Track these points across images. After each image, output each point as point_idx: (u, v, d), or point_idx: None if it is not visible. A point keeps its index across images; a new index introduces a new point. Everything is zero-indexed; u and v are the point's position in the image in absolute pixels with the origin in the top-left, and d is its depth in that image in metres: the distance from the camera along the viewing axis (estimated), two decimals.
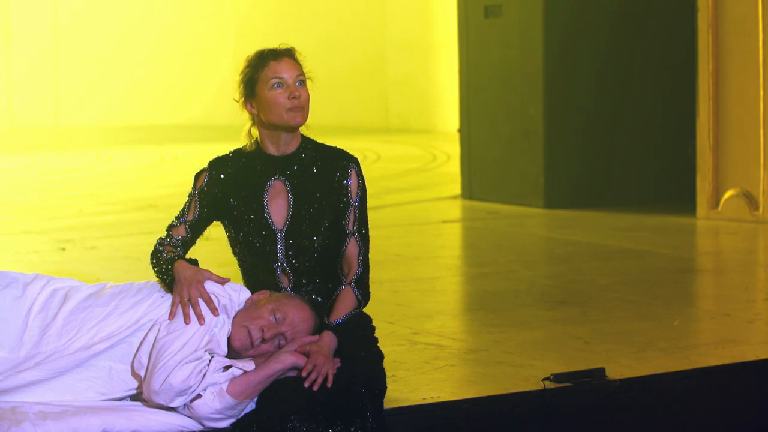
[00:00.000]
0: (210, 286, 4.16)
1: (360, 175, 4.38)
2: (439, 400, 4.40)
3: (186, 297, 4.12)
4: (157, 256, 4.27)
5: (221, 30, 23.09)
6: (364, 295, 4.31)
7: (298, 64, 4.30)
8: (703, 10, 8.99)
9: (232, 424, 3.99)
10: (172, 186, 12.47)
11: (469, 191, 10.68)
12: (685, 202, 9.54)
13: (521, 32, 10.09)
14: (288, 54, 4.30)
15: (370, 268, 4.37)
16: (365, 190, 4.39)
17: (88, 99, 23.10)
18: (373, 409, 4.01)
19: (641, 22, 10.22)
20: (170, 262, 4.22)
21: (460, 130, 10.89)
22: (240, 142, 4.41)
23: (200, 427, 3.98)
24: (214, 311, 4.10)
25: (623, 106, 10.21)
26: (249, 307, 4.17)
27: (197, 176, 4.38)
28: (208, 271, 4.22)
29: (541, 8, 9.89)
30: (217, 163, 4.38)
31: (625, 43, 10.16)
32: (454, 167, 12.42)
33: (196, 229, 4.35)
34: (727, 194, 8.99)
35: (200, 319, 4.08)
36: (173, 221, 4.36)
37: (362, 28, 21.45)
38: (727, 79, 8.97)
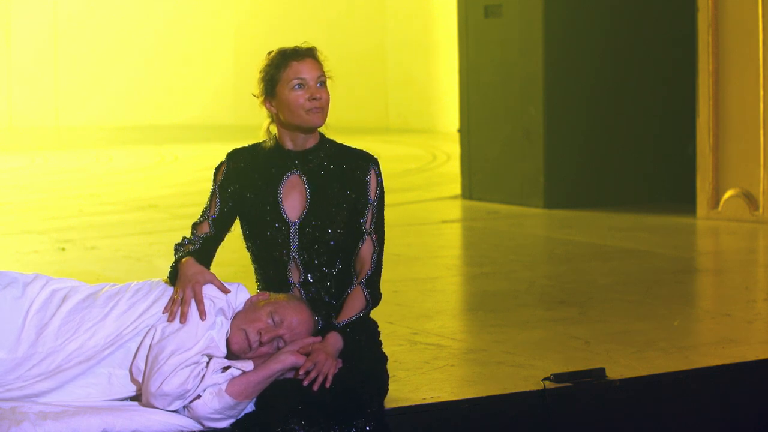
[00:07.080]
0: (208, 290, 4.14)
1: (379, 175, 4.35)
2: (439, 400, 4.40)
3: (179, 296, 4.10)
4: (175, 255, 4.25)
5: (221, 30, 23.06)
6: (373, 296, 4.27)
7: (319, 64, 4.29)
8: (703, 10, 8.99)
9: (232, 425, 3.98)
10: (172, 186, 12.46)
11: (469, 191, 10.68)
12: (685, 202, 9.54)
13: (521, 32, 10.09)
14: (310, 54, 4.29)
15: (383, 270, 4.34)
16: (383, 192, 4.37)
17: (88, 99, 23.07)
18: (374, 410, 4.00)
19: (641, 22, 10.21)
20: (179, 259, 4.21)
21: (460, 130, 10.89)
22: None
23: (200, 427, 3.98)
24: (202, 314, 4.07)
25: (623, 106, 10.21)
26: (247, 309, 4.15)
27: (216, 170, 4.37)
28: (213, 275, 4.20)
29: (541, 8, 9.89)
30: (234, 156, 4.36)
31: (625, 43, 10.16)
32: (454, 167, 12.42)
33: (220, 225, 4.32)
34: (727, 194, 8.99)
35: (182, 318, 4.05)
36: (198, 218, 4.34)
37: (362, 28, 21.43)
38: (727, 79, 8.97)
